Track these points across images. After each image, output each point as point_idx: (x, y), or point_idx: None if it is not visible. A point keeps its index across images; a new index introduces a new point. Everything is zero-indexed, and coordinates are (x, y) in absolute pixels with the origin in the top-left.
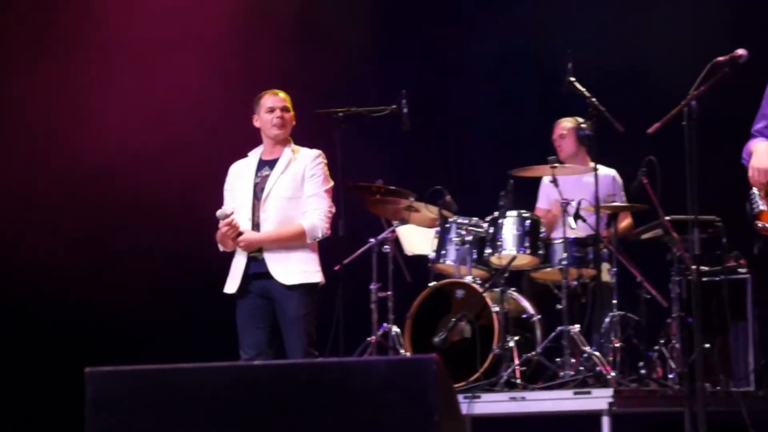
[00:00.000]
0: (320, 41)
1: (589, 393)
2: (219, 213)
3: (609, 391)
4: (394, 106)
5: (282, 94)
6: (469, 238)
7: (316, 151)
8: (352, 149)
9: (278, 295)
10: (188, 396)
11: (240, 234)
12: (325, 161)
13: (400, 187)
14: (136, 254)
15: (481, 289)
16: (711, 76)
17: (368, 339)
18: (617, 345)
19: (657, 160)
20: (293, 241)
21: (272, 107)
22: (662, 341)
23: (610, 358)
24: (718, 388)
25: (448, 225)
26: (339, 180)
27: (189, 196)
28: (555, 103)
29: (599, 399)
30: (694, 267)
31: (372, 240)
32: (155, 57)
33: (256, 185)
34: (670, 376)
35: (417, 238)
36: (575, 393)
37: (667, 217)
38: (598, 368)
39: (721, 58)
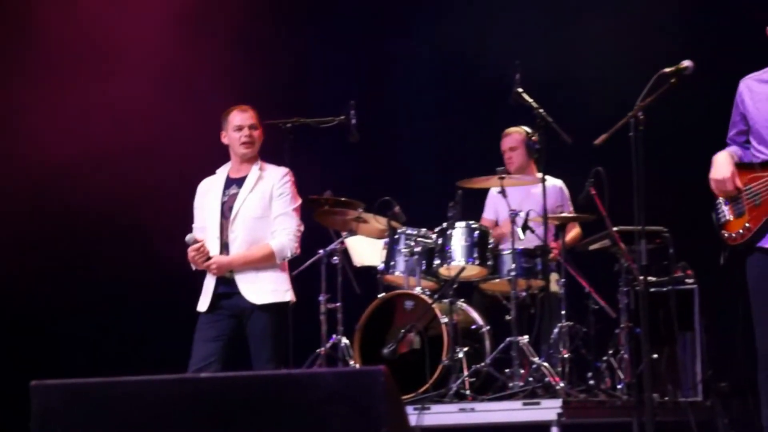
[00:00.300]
0: (266, 51)
1: (538, 404)
2: (188, 238)
3: (558, 402)
4: (342, 117)
5: (250, 111)
6: (418, 249)
7: (283, 170)
8: (300, 160)
9: (248, 314)
10: (134, 409)
11: (209, 258)
12: (293, 179)
13: (348, 198)
14: (84, 264)
15: (430, 300)
16: (657, 87)
17: (317, 351)
18: (566, 356)
19: (604, 170)
20: (262, 263)
21: (240, 125)
22: (611, 352)
23: (559, 369)
24: (666, 398)
25: (397, 236)
26: None
27: (140, 205)
28: (501, 114)
29: (548, 410)
30: (641, 277)
31: (321, 251)
32: (102, 63)
33: (223, 204)
34: (619, 386)
35: (366, 250)
36: (524, 404)
37: (615, 228)
38: (547, 379)
39: (667, 69)
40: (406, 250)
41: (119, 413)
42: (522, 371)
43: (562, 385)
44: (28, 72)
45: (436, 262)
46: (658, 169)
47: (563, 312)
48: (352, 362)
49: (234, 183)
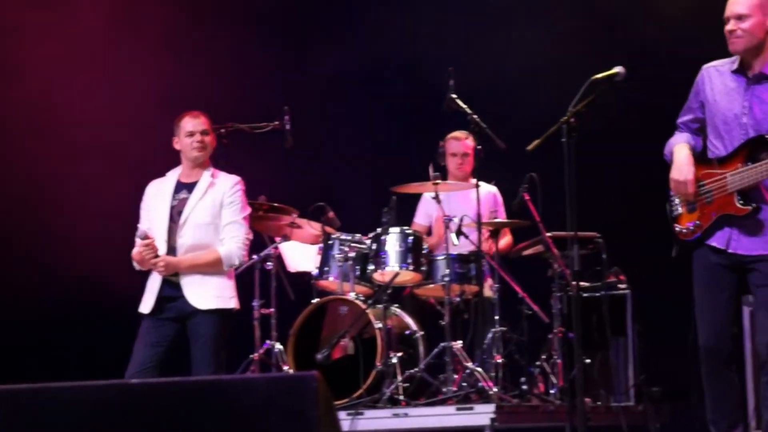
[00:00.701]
0: (198, 55)
1: (471, 409)
2: (140, 233)
3: (491, 407)
4: (276, 123)
5: (202, 117)
6: (352, 254)
7: (235, 178)
8: (234, 165)
9: (191, 318)
10: (63, 415)
11: (157, 256)
12: (243, 188)
13: (282, 204)
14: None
15: (364, 306)
16: (589, 93)
17: (251, 356)
18: (499, 361)
19: (538, 176)
20: (209, 268)
21: (192, 131)
22: (544, 357)
23: (493, 374)
24: (599, 402)
25: (331, 241)
26: None
27: (63, 209)
28: (435, 120)
29: (482, 415)
30: (574, 283)
31: (255, 257)
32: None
33: (173, 208)
34: (552, 391)
35: (300, 255)
36: (458, 409)
37: (548, 234)
38: (480, 384)
39: (599, 76)
40: (340, 255)
41: (48, 420)
42: (455, 376)
43: (495, 390)
44: None
45: (370, 267)
46: (591, 174)
47: (497, 317)
48: (286, 368)
49: (184, 188)
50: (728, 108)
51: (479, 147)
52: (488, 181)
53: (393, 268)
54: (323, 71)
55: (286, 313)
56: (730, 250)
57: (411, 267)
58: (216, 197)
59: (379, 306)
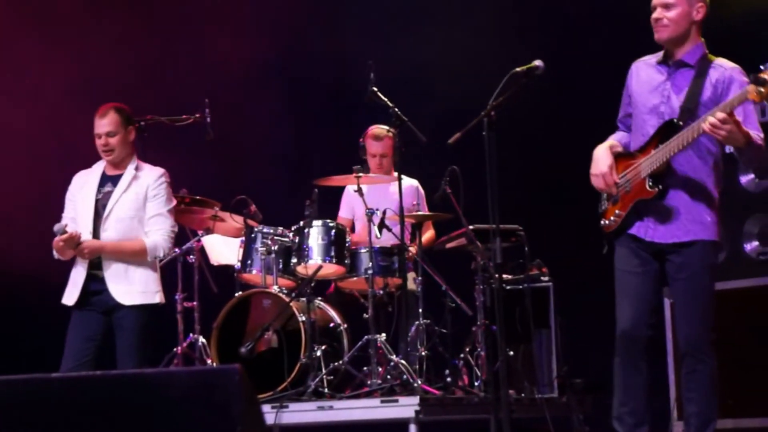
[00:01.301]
0: (116, 45)
1: (396, 401)
2: (56, 228)
3: (415, 399)
4: (197, 115)
5: (108, 117)
6: (275, 247)
7: (159, 170)
8: (155, 158)
9: (115, 312)
10: None
11: (79, 244)
12: (168, 180)
13: (204, 197)
14: None
15: (287, 299)
16: (510, 86)
17: (174, 350)
18: (423, 353)
19: (459, 169)
20: (133, 257)
21: (98, 133)
22: (468, 349)
23: (417, 367)
24: (523, 395)
25: (253, 235)
26: None
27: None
28: (355, 112)
29: (406, 407)
30: (497, 275)
31: (177, 250)
32: None
33: (97, 201)
34: (476, 383)
35: (222, 248)
36: (382, 401)
37: (471, 227)
38: (404, 377)
39: (519, 69)
40: (263, 248)
41: None
42: (380, 369)
43: (419, 382)
44: None
45: (294, 260)
46: (513, 167)
47: (420, 310)
48: (209, 361)
49: (109, 180)
50: (648, 99)
51: (398, 142)
52: (410, 175)
53: (316, 261)
54: (243, 62)
55: (209, 307)
56: (647, 239)
57: (334, 260)
58: (140, 190)
59: (303, 299)
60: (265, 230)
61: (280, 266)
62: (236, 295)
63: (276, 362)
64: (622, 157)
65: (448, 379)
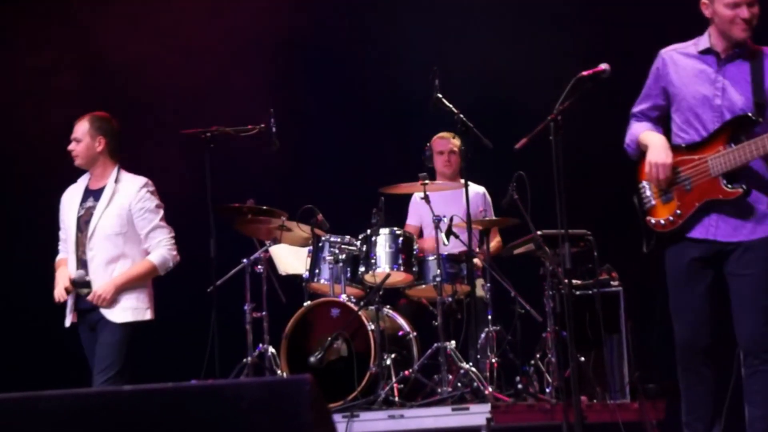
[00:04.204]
0: (186, 59)
1: (467, 409)
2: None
3: (487, 407)
4: (262, 126)
5: (79, 124)
6: (343, 256)
7: (140, 181)
8: (221, 169)
9: (102, 325)
10: (51, 424)
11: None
12: (152, 189)
13: (271, 207)
14: None
15: (356, 308)
16: (575, 90)
17: (244, 360)
18: (493, 360)
19: (526, 175)
20: (146, 279)
21: (70, 138)
22: (538, 356)
23: (487, 374)
24: (595, 400)
25: (321, 244)
26: (209, 201)
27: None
28: (421, 120)
29: (477, 414)
30: (566, 281)
31: (245, 260)
32: None
33: (79, 218)
34: (547, 390)
35: (290, 258)
36: (453, 409)
37: (539, 232)
38: (475, 384)
39: (585, 73)
40: (331, 257)
41: (36, 430)
42: (450, 377)
43: (490, 389)
44: None
45: (361, 269)
46: (580, 172)
47: (489, 317)
48: (279, 371)
49: (91, 195)
50: (697, 90)
51: (463, 148)
52: (477, 182)
53: (384, 269)
54: (306, 71)
55: (278, 317)
56: (710, 238)
57: (402, 268)
58: (123, 204)
59: (371, 307)
60: (332, 239)
61: (348, 275)
62: (305, 304)
63: (346, 371)
64: (672, 151)
65: (519, 386)
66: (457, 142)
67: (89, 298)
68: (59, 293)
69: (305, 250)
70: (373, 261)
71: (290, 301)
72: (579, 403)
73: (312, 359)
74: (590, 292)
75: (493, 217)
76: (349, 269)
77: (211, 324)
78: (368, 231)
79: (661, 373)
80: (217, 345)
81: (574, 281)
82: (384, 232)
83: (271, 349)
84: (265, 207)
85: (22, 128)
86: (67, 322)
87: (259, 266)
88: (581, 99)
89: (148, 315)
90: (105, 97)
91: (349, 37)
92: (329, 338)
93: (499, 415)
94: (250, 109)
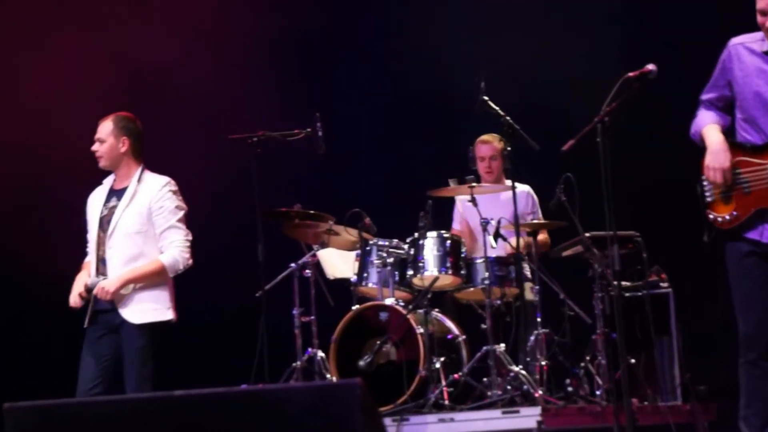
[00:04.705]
0: (232, 64)
1: (517, 412)
2: (91, 283)
3: (537, 410)
4: (308, 130)
5: (102, 125)
6: (391, 260)
7: (162, 181)
8: (268, 174)
9: (121, 330)
10: (107, 429)
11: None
12: (174, 188)
13: (318, 211)
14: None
15: (404, 311)
16: (622, 91)
17: (293, 365)
18: (543, 363)
19: (573, 176)
20: (155, 278)
21: (94, 139)
22: (588, 358)
23: (537, 377)
24: (646, 402)
25: (368, 247)
26: (256, 206)
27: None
28: (465, 122)
29: (528, 417)
30: (615, 283)
31: (293, 265)
32: None
33: (102, 217)
34: (597, 392)
35: (338, 262)
36: (504, 412)
37: (587, 234)
38: (525, 387)
39: (631, 74)
40: (379, 261)
41: None
42: (500, 380)
43: (540, 392)
44: None
45: (409, 272)
46: (628, 173)
47: (539, 319)
48: (328, 375)
49: (114, 195)
50: (756, 91)
51: (508, 149)
52: (521, 182)
53: (432, 272)
54: (351, 74)
55: (326, 321)
56: (764, 240)
57: (450, 271)
58: (143, 203)
59: (420, 311)
60: (380, 243)
61: (396, 278)
62: (353, 308)
63: (395, 375)
64: (732, 149)
65: (569, 389)
66: (498, 144)
67: (95, 291)
68: (73, 299)
69: (353, 253)
70: (421, 264)
71: (338, 305)
72: (630, 405)
73: (361, 363)
74: (640, 293)
75: (540, 216)
76: (397, 273)
77: (260, 329)
78: (416, 234)
79: (713, 374)
80: (266, 350)
81: (623, 283)
82: (432, 235)
83: (320, 354)
84: (312, 211)
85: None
86: (87, 323)
87: (308, 270)
88: (628, 100)
89: (169, 315)
90: (147, 102)
91: (396, 39)
92: (378, 342)
93: (549, 418)
94: (295, 114)
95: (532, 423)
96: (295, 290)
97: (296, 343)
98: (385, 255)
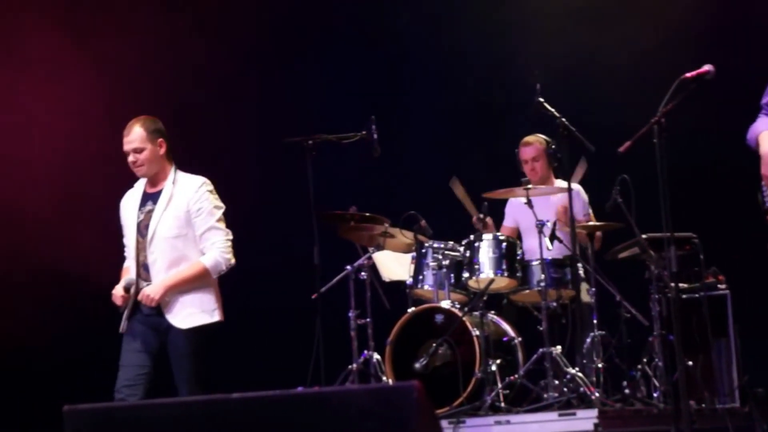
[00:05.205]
0: (287, 66)
1: (574, 414)
2: (127, 282)
3: (594, 412)
4: (363, 132)
5: (132, 133)
6: (446, 262)
7: (198, 181)
8: (323, 177)
9: (169, 335)
10: (166, 431)
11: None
12: (210, 188)
13: (374, 214)
14: None
15: (460, 314)
16: (679, 92)
17: (349, 367)
18: (600, 365)
19: (630, 178)
20: (198, 282)
21: (126, 150)
22: (645, 360)
23: (594, 379)
24: (703, 405)
25: (424, 250)
26: (312, 208)
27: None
28: (522, 123)
29: (585, 420)
30: (672, 284)
31: (348, 267)
32: None
33: (140, 222)
34: (655, 394)
35: (393, 264)
36: (560, 415)
37: (644, 235)
38: (581, 389)
39: (688, 75)
40: (434, 263)
41: None
42: (556, 382)
43: (597, 395)
44: None
45: (465, 274)
46: (685, 174)
47: (595, 321)
48: (384, 378)
49: (150, 199)
50: None
51: (552, 146)
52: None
53: (487, 274)
54: (406, 77)
55: (382, 323)
56: None
57: (506, 273)
58: (180, 205)
59: (476, 313)
60: (435, 245)
61: (452, 281)
62: (409, 310)
63: (451, 377)
64: None
65: (626, 391)
66: (541, 145)
67: (138, 297)
68: (117, 297)
69: (408, 256)
70: (476, 266)
71: (394, 307)
72: (688, 407)
73: (417, 365)
74: (697, 295)
75: (592, 215)
76: (452, 275)
77: (316, 331)
78: (471, 236)
79: None
80: (322, 352)
81: (680, 285)
82: (487, 237)
83: (376, 356)
84: (368, 214)
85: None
86: (121, 328)
87: (363, 273)
88: (685, 100)
89: (216, 316)
90: (204, 105)
91: (449, 40)
92: (434, 344)
93: (606, 420)
94: (350, 116)
95: (588, 425)
96: (350, 293)
97: (352, 345)
98: (440, 257)
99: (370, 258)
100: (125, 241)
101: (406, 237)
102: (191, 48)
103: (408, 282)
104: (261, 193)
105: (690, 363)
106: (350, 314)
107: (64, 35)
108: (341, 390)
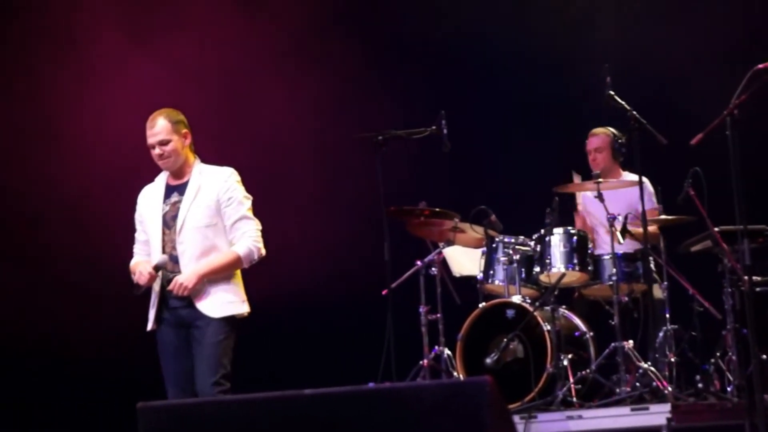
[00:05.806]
0: (360, 63)
1: (647, 409)
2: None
3: (667, 407)
4: (433, 128)
5: (157, 126)
6: (517, 257)
7: (225, 171)
8: (393, 172)
9: (197, 323)
10: (239, 428)
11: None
12: (237, 178)
13: (444, 209)
14: None
15: (531, 308)
16: (752, 83)
17: (420, 363)
18: (672, 359)
19: (702, 170)
20: (230, 270)
21: (151, 144)
22: (718, 354)
23: (666, 373)
24: None
25: (494, 245)
26: (382, 204)
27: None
28: (591, 116)
29: (657, 414)
30: (746, 278)
31: (419, 263)
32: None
33: (165, 214)
34: (728, 389)
35: (464, 259)
36: (632, 409)
37: (716, 228)
38: (654, 384)
39: (761, 66)
40: (505, 258)
41: None
42: (628, 377)
43: (670, 389)
44: None
45: (536, 269)
46: (758, 166)
47: (667, 315)
48: (455, 373)
49: (174, 190)
50: None
51: (620, 140)
52: (650, 178)
53: (559, 269)
54: (477, 71)
55: (453, 318)
56: None
57: (577, 267)
58: (210, 195)
59: (547, 308)
60: (506, 240)
61: (523, 275)
62: (480, 306)
63: (522, 372)
64: None
65: (700, 385)
66: (607, 136)
67: (170, 287)
68: (142, 277)
69: (479, 251)
70: (547, 261)
71: (465, 302)
72: (762, 402)
73: (488, 360)
74: None
75: (660, 207)
76: (523, 270)
77: (387, 327)
78: (542, 231)
79: None
80: (393, 348)
81: (754, 278)
82: (558, 231)
83: (447, 351)
84: (437, 209)
85: None
86: (149, 326)
87: (433, 268)
88: (758, 92)
89: (245, 308)
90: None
91: (518, 34)
92: (505, 339)
93: (679, 414)
94: (420, 112)
95: (661, 420)
96: (421, 288)
97: (423, 341)
98: (511, 252)
99: (440, 253)
100: (140, 236)
101: (476, 232)
102: (259, 45)
103: (478, 277)
104: (332, 189)
105: (764, 357)
106: (421, 310)
107: (128, 33)
108: (413, 385)
